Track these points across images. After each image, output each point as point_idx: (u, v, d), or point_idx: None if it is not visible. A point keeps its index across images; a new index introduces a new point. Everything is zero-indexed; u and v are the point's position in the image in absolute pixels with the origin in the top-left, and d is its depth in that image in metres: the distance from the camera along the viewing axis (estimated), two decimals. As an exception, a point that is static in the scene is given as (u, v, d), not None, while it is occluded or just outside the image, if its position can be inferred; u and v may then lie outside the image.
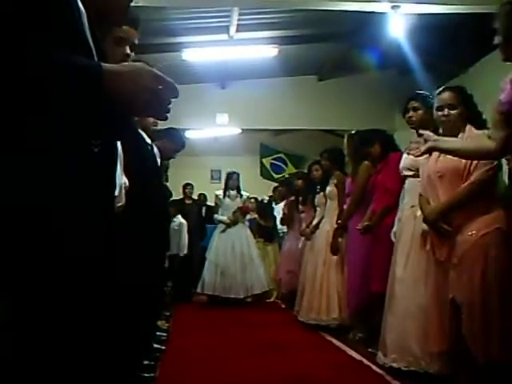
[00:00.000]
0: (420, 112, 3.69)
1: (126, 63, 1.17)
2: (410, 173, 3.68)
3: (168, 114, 1.21)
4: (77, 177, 1.13)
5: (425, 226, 3.11)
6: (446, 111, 3.00)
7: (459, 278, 2.77)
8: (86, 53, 1.18)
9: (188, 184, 9.03)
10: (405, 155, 3.81)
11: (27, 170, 1.07)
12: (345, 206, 5.05)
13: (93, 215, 1.17)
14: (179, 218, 7.81)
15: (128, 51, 1.99)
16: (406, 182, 3.77)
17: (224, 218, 7.56)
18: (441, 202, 2.93)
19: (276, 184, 9.93)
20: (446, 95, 3.03)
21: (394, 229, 3.90)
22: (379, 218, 4.25)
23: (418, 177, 3.59)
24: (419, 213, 3.48)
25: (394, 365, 3.52)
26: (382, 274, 3.92)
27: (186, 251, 7.70)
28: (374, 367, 3.79)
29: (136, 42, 2.06)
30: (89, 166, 1.17)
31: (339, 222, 5.04)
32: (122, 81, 1.10)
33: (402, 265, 3.59)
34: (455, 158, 2.84)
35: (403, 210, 3.76)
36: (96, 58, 1.20)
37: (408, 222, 3.63)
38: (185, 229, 7.74)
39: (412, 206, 3.59)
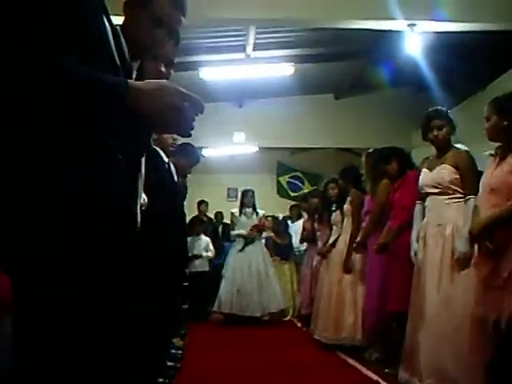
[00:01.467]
0: (445, 130, 3.59)
1: (151, 80, 1.18)
2: (436, 190, 3.55)
3: (191, 131, 1.23)
4: (103, 190, 1.14)
5: (462, 245, 3.10)
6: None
7: (503, 301, 2.67)
8: (112, 69, 1.20)
9: (202, 201, 9.00)
10: (425, 170, 3.70)
11: (53, 183, 1.09)
12: (363, 224, 5.03)
13: (119, 227, 1.18)
14: (203, 237, 7.79)
15: (162, 68, 1.90)
16: (428, 199, 3.63)
17: (241, 231, 7.53)
18: (486, 216, 2.81)
19: (293, 202, 9.90)
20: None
21: (415, 247, 3.73)
22: (395, 235, 4.21)
23: (445, 194, 3.50)
24: (448, 231, 3.41)
25: None
26: (399, 294, 3.87)
27: (207, 268, 7.72)
28: (390, 388, 3.73)
29: (173, 59, 1.96)
30: (115, 179, 1.18)
31: (357, 240, 5.00)
32: (147, 98, 1.12)
33: (434, 285, 3.41)
34: (506, 172, 2.74)
35: (426, 228, 3.60)
36: (122, 73, 1.23)
37: (435, 240, 3.49)
38: (211, 246, 7.76)
39: (439, 225, 3.49)
